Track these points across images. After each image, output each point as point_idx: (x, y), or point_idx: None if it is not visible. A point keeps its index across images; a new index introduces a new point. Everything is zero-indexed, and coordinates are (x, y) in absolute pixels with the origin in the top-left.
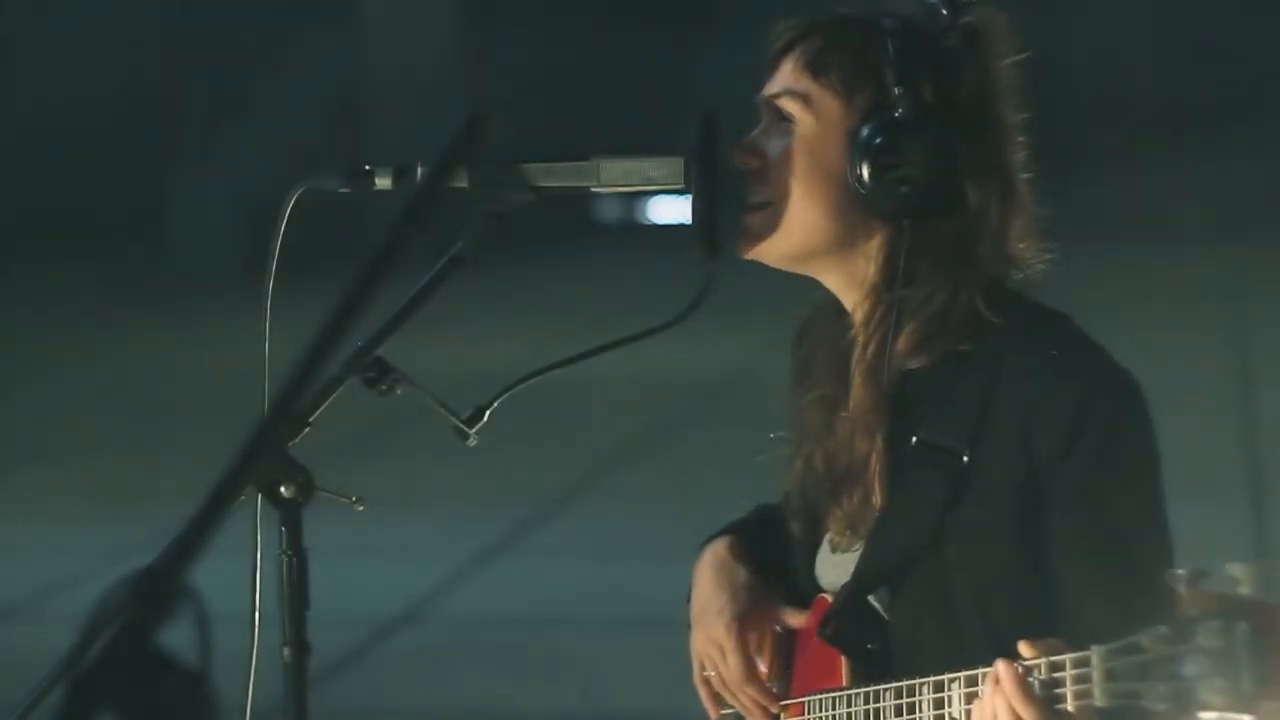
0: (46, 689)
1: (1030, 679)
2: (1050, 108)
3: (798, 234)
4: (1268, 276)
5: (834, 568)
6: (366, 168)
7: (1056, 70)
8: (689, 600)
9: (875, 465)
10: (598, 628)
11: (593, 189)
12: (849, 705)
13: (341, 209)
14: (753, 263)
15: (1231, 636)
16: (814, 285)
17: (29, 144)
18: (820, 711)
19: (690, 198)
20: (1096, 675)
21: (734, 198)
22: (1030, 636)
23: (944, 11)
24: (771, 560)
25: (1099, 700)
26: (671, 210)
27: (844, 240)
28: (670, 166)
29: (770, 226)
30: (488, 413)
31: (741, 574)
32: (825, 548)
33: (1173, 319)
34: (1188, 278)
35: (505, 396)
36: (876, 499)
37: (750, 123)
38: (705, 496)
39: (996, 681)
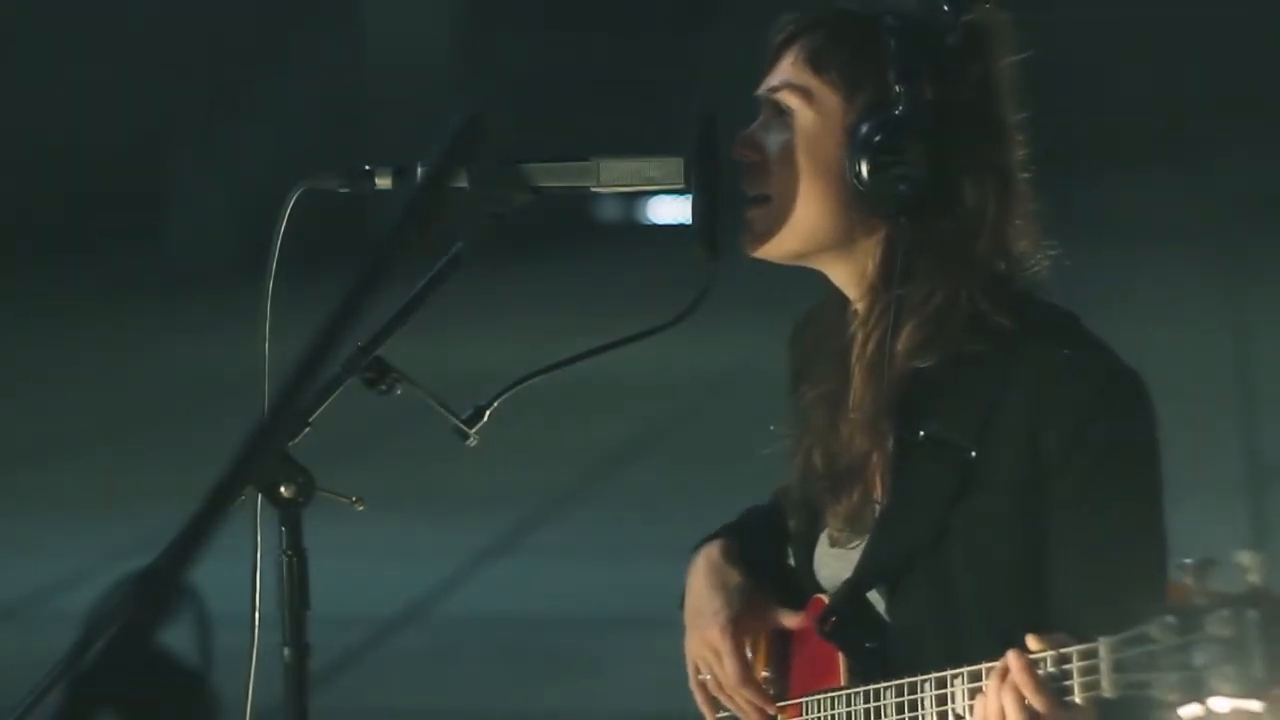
0: (46, 689)
1: (1038, 671)
2: (1050, 108)
3: (800, 231)
4: (1268, 276)
5: (834, 560)
6: (366, 168)
7: (1056, 71)
8: (682, 605)
9: (877, 462)
10: (598, 628)
11: (593, 189)
12: (848, 705)
13: (341, 209)
14: (752, 262)
15: (1241, 624)
16: (816, 282)
17: (29, 144)
18: (818, 712)
19: (690, 198)
20: (1104, 666)
21: (734, 197)
22: (1034, 632)
23: (945, 9)
24: (764, 563)
25: (1107, 691)
26: (671, 210)
27: (845, 237)
28: (670, 166)
29: (774, 225)
30: (488, 413)
31: (735, 577)
32: (824, 542)
33: (1173, 319)
34: (1188, 278)
35: (505, 396)
36: (877, 496)
37: (751, 121)
38: (705, 496)
39: (1003, 675)
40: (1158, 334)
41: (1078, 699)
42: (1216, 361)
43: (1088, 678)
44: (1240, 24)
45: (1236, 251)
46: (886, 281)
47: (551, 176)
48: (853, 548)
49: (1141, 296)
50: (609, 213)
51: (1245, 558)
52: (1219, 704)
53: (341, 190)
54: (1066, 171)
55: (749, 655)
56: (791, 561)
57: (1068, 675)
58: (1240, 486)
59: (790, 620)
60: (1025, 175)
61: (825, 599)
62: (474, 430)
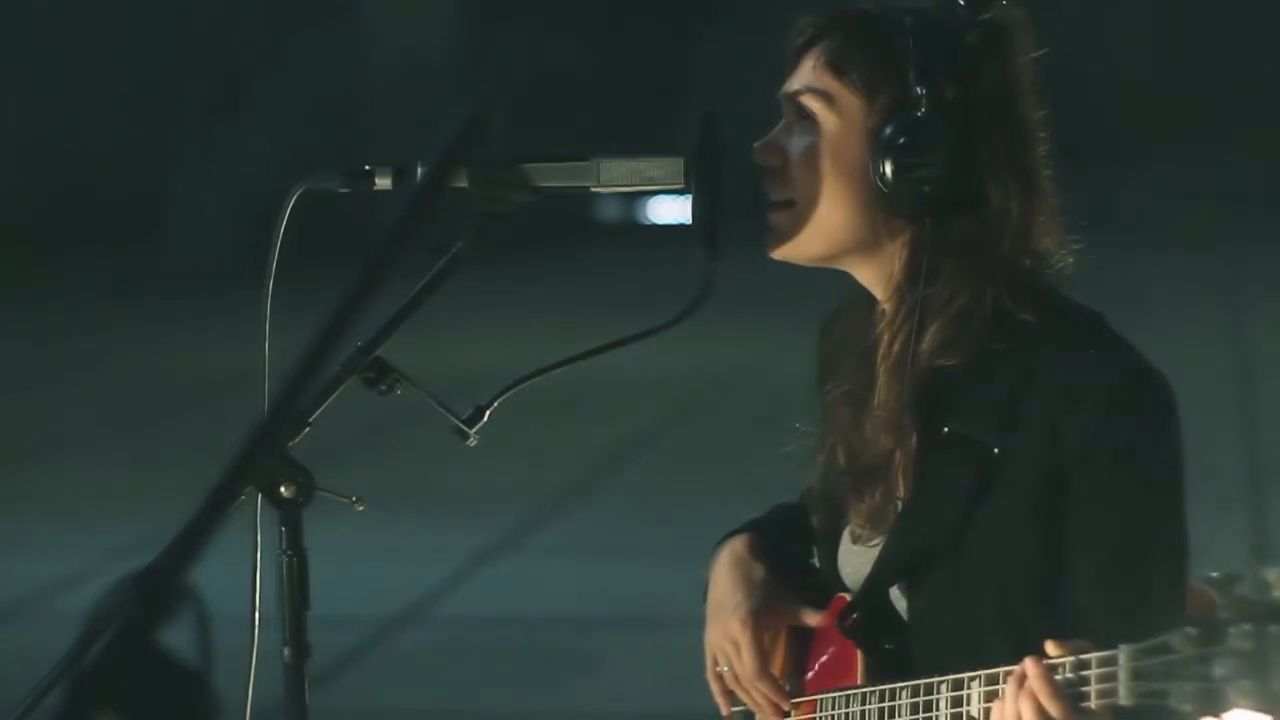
0: (46, 689)
1: (1056, 677)
2: (1050, 108)
3: (825, 234)
4: (1267, 276)
5: (856, 557)
6: (366, 168)
7: (1057, 70)
8: (705, 598)
9: (900, 460)
10: (598, 628)
11: (593, 189)
12: (863, 704)
13: (341, 209)
14: (753, 262)
15: (1263, 639)
16: (819, 284)
17: (29, 144)
18: (833, 710)
19: (690, 198)
20: (1123, 674)
21: (734, 197)
22: (1050, 634)
23: (962, 7)
24: (789, 560)
25: (1123, 699)
26: (671, 210)
27: (870, 239)
28: (670, 166)
29: (797, 227)
30: (488, 413)
31: (758, 571)
32: (846, 539)
33: (1173, 319)
34: (1188, 278)
35: (505, 396)
36: (900, 493)
37: (751, 120)
38: (705, 496)
39: (1021, 681)
40: (1158, 334)
41: (1093, 705)
42: (1216, 361)
43: (1105, 685)
44: (1241, 23)
45: (1236, 251)
46: (912, 282)
47: (551, 176)
48: (874, 545)
49: (1141, 296)
50: (609, 213)
51: (1271, 573)
52: (1236, 718)
53: (341, 190)
54: (1066, 171)
55: (768, 650)
56: (816, 560)
57: (1085, 681)
58: (1240, 486)
59: (811, 618)
60: (1048, 172)
61: (847, 597)
62: (474, 430)
